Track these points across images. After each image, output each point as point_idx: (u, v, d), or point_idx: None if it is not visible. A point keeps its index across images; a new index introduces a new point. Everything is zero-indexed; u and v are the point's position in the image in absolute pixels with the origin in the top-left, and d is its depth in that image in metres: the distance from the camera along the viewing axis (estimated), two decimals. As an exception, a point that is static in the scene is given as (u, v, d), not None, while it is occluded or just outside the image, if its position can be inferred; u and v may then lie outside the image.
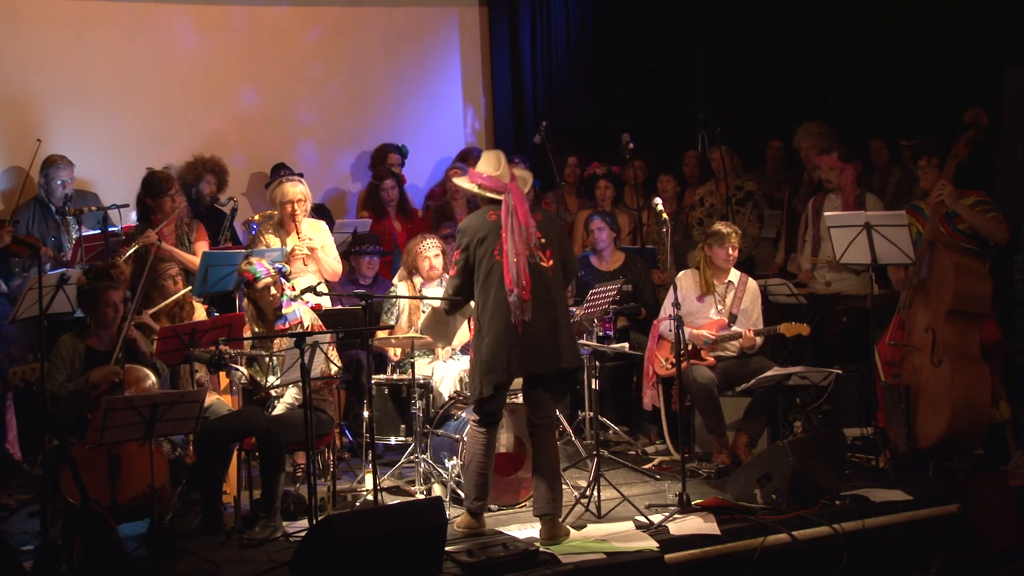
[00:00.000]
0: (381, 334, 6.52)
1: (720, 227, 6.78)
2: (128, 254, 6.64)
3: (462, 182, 5.57)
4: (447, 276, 6.83)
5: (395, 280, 6.90)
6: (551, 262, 5.36)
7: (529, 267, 5.24)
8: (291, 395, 5.74)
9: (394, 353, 6.59)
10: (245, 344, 5.87)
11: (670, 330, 6.22)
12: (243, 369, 5.74)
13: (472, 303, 5.47)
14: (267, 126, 9.15)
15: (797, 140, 7.86)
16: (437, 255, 6.77)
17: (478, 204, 5.55)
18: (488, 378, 5.25)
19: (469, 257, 5.34)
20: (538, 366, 5.33)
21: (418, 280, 6.80)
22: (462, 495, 5.76)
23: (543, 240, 5.34)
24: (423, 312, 6.67)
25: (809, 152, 7.75)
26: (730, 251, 6.70)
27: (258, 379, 5.77)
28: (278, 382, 5.68)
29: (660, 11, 9.89)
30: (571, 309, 6.68)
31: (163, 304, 6.36)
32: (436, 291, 6.58)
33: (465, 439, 5.59)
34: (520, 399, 5.64)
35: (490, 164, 5.42)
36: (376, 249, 7.52)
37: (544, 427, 5.42)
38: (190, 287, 6.50)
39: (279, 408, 5.74)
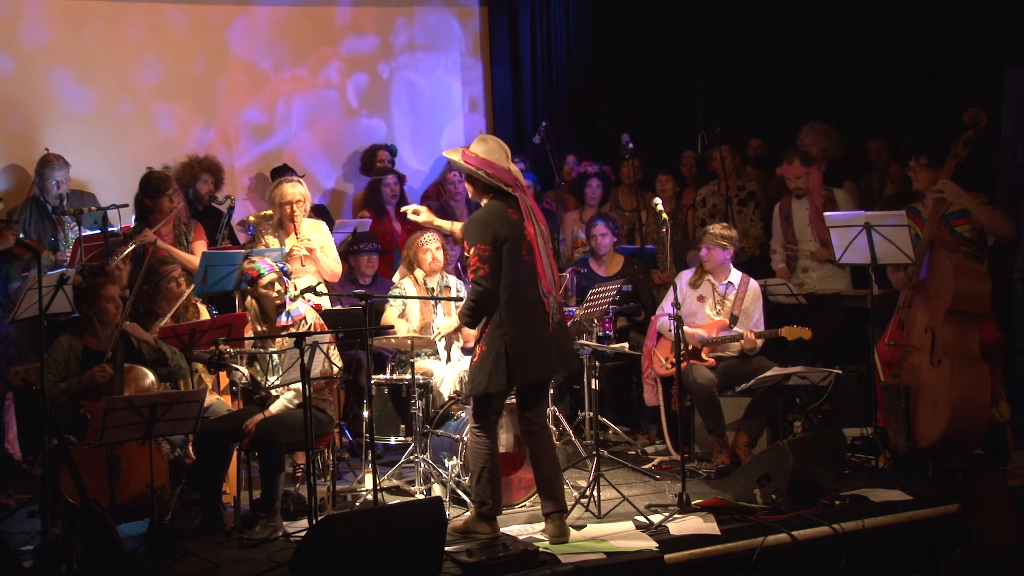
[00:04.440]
0: (399, 329, 6.52)
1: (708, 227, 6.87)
2: (125, 254, 6.64)
3: (455, 157, 5.31)
4: (446, 274, 6.86)
5: (396, 279, 6.88)
6: (555, 263, 5.40)
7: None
8: (289, 395, 5.72)
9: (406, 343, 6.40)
10: (245, 344, 5.87)
11: (670, 330, 6.22)
12: (243, 369, 5.74)
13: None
14: (266, 126, 9.15)
15: (801, 138, 7.87)
16: (438, 248, 6.76)
17: (475, 194, 5.41)
18: (517, 376, 5.17)
19: (499, 252, 5.17)
20: (562, 366, 5.38)
21: (419, 274, 6.78)
22: (462, 495, 5.77)
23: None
24: (434, 309, 6.67)
25: (811, 149, 7.77)
26: (705, 250, 6.75)
27: (258, 379, 5.77)
28: (278, 382, 5.68)
29: (660, 11, 9.89)
30: (571, 309, 6.70)
31: (172, 311, 6.36)
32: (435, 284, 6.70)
33: (468, 444, 5.50)
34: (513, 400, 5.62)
35: (498, 155, 5.25)
36: (374, 247, 7.52)
37: (542, 428, 5.42)
38: (192, 286, 6.50)
39: (275, 406, 5.71)
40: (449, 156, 5.41)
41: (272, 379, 5.73)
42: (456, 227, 5.69)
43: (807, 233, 7.37)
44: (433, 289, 6.71)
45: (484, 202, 5.32)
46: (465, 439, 5.67)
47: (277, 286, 5.78)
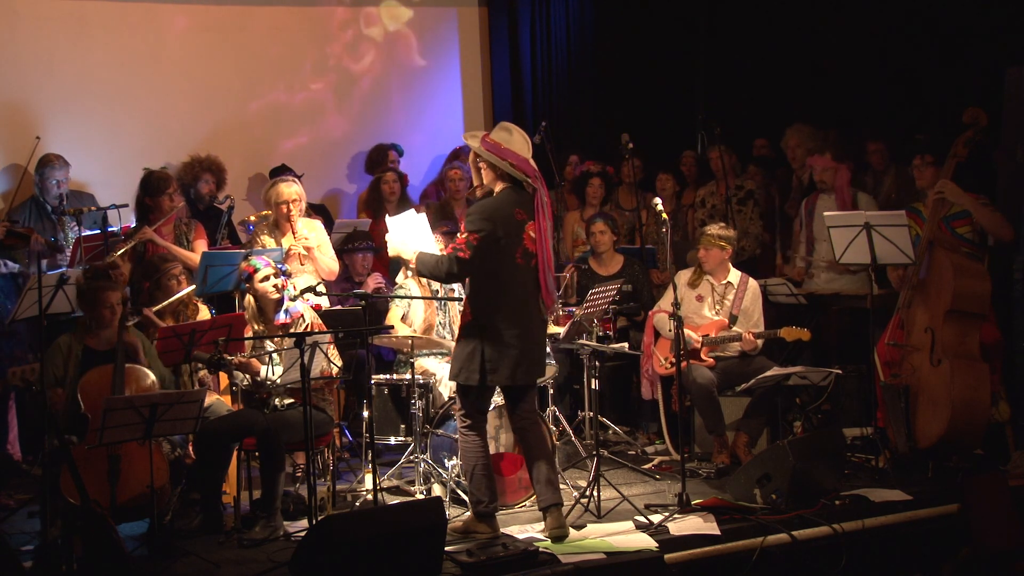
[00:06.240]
0: (401, 330, 6.51)
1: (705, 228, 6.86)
2: (124, 250, 6.64)
3: (475, 143, 5.29)
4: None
5: (400, 279, 6.87)
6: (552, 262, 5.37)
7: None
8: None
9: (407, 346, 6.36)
10: (245, 345, 5.87)
11: (670, 330, 6.22)
12: (244, 373, 5.74)
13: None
14: (266, 126, 9.15)
15: (785, 140, 7.87)
16: (442, 249, 6.74)
17: (491, 180, 5.33)
18: (489, 376, 5.18)
19: (488, 246, 5.13)
20: (538, 374, 5.39)
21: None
22: (462, 495, 5.77)
23: None
24: (438, 309, 6.66)
25: (796, 151, 7.76)
26: (702, 251, 6.75)
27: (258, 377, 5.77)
28: (279, 380, 5.68)
29: (660, 11, 9.89)
30: (570, 309, 6.70)
31: (166, 303, 6.36)
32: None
33: (459, 444, 5.47)
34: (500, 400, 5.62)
35: (521, 146, 5.22)
36: (368, 245, 7.51)
37: (533, 423, 5.42)
38: (193, 286, 6.50)
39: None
40: (469, 142, 5.39)
41: (271, 375, 5.73)
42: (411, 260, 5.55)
43: (824, 233, 7.33)
44: (437, 291, 6.70)
45: (497, 190, 5.29)
46: (459, 442, 5.66)
47: (273, 280, 5.79)
